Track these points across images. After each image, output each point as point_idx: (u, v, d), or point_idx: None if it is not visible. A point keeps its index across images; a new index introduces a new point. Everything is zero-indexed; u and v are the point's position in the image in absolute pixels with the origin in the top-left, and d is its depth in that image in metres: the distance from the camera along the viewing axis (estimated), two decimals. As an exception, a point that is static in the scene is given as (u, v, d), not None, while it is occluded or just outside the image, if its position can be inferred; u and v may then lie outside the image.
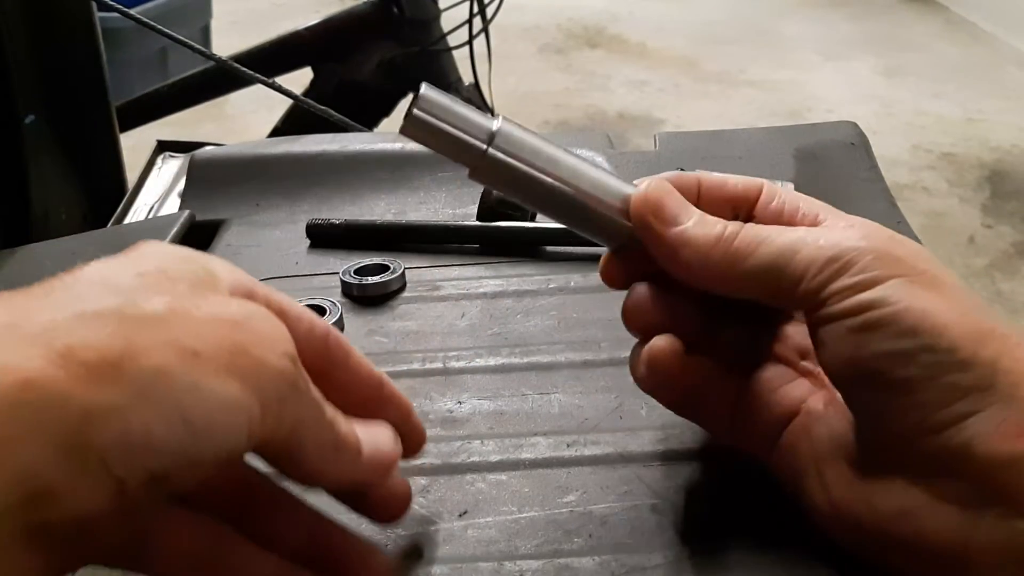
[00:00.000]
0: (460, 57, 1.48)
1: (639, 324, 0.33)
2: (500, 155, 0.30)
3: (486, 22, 1.41)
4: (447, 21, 1.46)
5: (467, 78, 1.49)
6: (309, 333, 0.29)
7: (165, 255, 0.26)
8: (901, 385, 0.27)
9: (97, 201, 0.75)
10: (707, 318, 0.33)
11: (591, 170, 0.32)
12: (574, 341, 0.44)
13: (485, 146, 0.30)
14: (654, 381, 0.33)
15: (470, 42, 1.41)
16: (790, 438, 0.33)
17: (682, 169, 0.52)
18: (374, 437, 0.30)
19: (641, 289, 0.33)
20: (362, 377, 0.31)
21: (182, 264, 0.26)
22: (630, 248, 0.32)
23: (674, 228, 0.31)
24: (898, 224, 0.53)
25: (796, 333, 0.34)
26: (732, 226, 0.31)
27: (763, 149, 0.60)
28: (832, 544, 0.31)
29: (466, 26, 1.40)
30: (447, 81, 1.47)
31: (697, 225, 0.31)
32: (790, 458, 0.32)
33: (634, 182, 0.33)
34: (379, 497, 0.31)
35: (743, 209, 0.33)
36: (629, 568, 0.31)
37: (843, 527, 0.30)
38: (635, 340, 0.38)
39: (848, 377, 0.29)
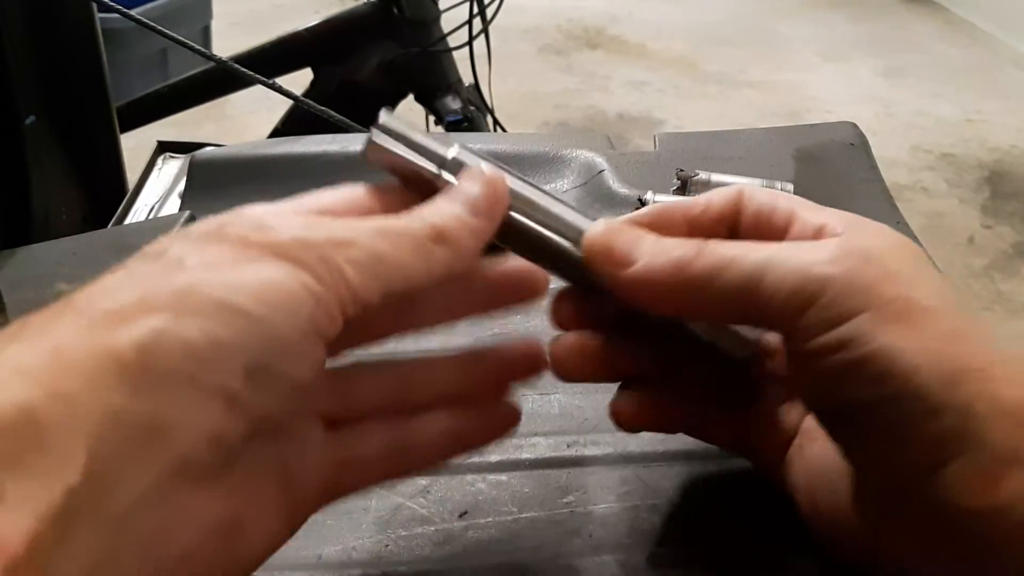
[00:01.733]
0: (460, 58, 1.48)
1: (583, 373, 0.32)
2: (453, 180, 0.30)
3: (486, 23, 1.41)
4: (447, 22, 1.46)
5: (467, 79, 1.49)
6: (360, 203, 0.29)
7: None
8: (874, 432, 0.26)
9: (97, 202, 0.75)
10: (670, 357, 0.32)
11: (550, 203, 0.31)
12: (574, 341, 0.44)
13: (438, 171, 0.30)
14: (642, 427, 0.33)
15: (470, 43, 1.41)
16: (789, 458, 0.33)
17: (681, 170, 0.53)
18: (455, 196, 0.28)
19: (577, 339, 0.31)
20: None
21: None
22: (586, 286, 0.31)
23: (629, 269, 0.29)
24: (897, 224, 0.53)
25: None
26: (689, 249, 0.28)
27: (763, 150, 0.60)
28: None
29: (466, 27, 1.40)
30: (447, 82, 1.47)
31: (652, 257, 0.29)
32: (788, 476, 0.32)
33: (624, 219, 0.31)
34: (514, 275, 0.31)
35: (730, 222, 0.32)
36: (629, 568, 0.31)
37: (833, 544, 0.30)
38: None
39: (826, 418, 0.29)
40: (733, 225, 0.32)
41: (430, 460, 0.30)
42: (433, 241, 0.27)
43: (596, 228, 0.30)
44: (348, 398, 0.29)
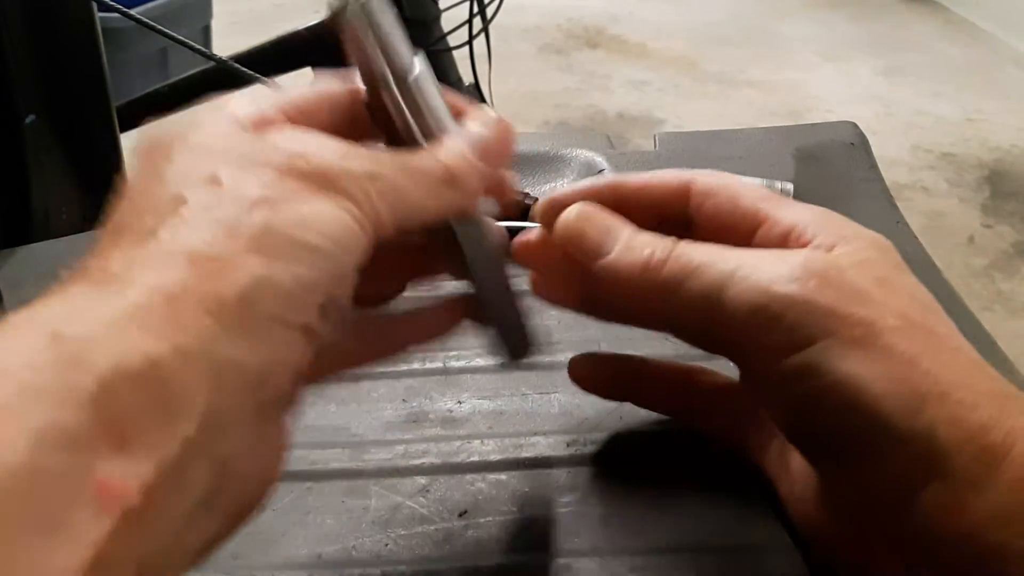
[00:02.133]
0: (460, 57, 1.48)
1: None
2: (394, 94, 0.28)
3: (486, 22, 1.41)
4: (447, 21, 1.46)
5: (467, 78, 1.49)
6: (335, 105, 0.28)
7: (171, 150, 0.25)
8: (843, 459, 0.26)
9: (97, 201, 0.75)
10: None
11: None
12: (574, 341, 0.44)
13: (392, 86, 0.28)
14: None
15: (470, 42, 1.41)
16: (771, 458, 0.33)
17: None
18: (467, 138, 0.28)
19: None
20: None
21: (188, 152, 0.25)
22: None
23: (599, 261, 0.29)
24: (897, 224, 0.53)
25: None
26: (660, 250, 0.28)
27: (763, 149, 0.60)
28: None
29: (466, 26, 1.40)
30: (448, 81, 1.47)
31: (624, 251, 0.28)
32: (772, 476, 0.32)
33: (543, 204, 0.31)
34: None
35: (672, 213, 0.31)
36: (629, 568, 0.31)
37: (814, 545, 0.31)
38: (635, 339, 0.38)
39: (796, 441, 0.29)
40: (680, 212, 0.31)
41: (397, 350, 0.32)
42: (445, 183, 0.26)
43: (572, 211, 0.30)
44: None
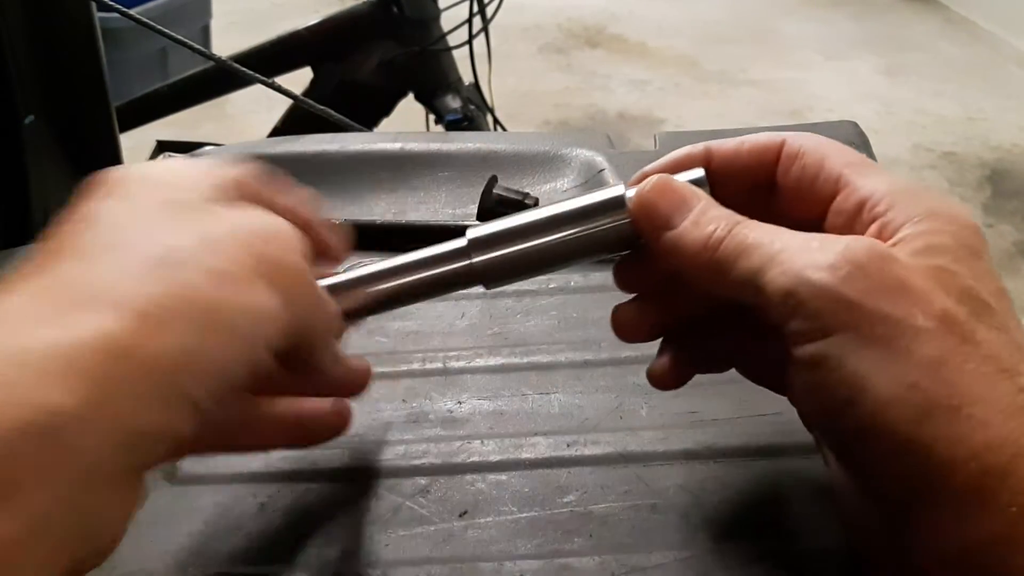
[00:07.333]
0: (460, 57, 1.48)
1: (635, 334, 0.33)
2: (485, 258, 0.32)
3: (486, 22, 1.41)
4: (447, 21, 1.46)
5: (467, 78, 1.49)
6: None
7: (168, 181, 0.29)
8: (844, 461, 0.26)
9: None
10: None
11: (573, 204, 0.31)
12: (574, 341, 0.44)
13: (469, 260, 0.32)
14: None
15: (470, 42, 1.41)
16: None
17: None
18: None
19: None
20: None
21: (188, 190, 0.28)
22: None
23: (668, 232, 0.29)
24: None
25: None
26: (722, 228, 0.27)
27: (763, 148, 0.60)
28: (830, 547, 0.31)
29: (466, 26, 1.40)
30: (447, 81, 1.47)
31: (690, 227, 0.28)
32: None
33: (636, 175, 0.32)
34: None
35: (763, 177, 0.31)
36: (629, 568, 0.31)
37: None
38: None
39: (809, 430, 0.29)
40: (766, 179, 0.31)
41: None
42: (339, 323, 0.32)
43: (649, 182, 0.30)
44: None
